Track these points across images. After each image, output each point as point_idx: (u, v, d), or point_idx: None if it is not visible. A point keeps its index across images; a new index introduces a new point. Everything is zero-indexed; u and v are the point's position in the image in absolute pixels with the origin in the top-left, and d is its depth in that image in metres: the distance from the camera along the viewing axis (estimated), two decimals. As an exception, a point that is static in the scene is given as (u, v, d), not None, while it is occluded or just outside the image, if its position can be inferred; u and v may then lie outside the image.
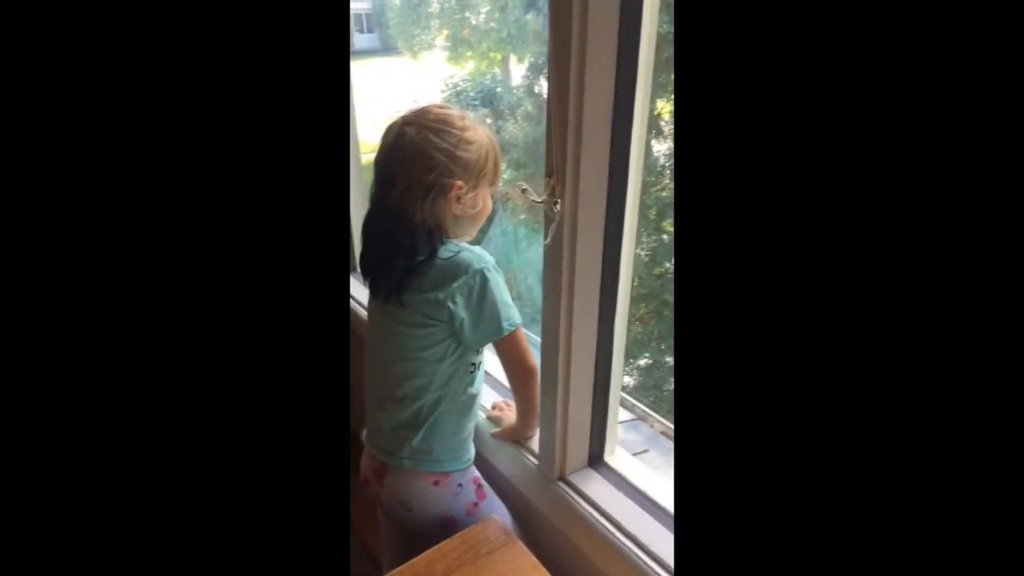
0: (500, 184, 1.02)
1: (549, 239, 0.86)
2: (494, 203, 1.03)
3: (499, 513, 1.07)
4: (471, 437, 1.09)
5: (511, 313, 0.98)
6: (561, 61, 0.75)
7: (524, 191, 0.90)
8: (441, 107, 0.98)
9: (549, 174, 0.83)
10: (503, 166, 1.03)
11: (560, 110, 0.77)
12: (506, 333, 0.97)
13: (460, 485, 1.06)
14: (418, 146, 0.93)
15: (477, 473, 1.10)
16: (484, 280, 0.95)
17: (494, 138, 0.99)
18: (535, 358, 1.02)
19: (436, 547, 0.93)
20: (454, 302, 0.94)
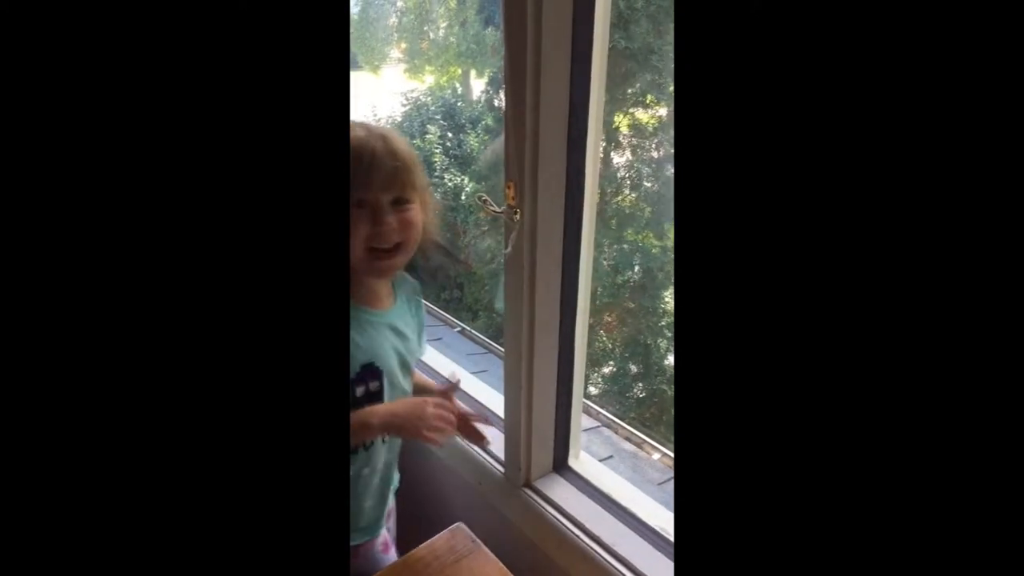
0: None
1: (510, 248, 0.88)
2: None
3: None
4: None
5: None
6: (517, 73, 0.76)
7: (485, 202, 0.91)
8: None
9: (508, 184, 0.85)
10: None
11: (517, 120, 0.79)
12: None
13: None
14: None
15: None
16: None
17: (376, 130, 0.83)
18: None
19: (401, 559, 0.92)
20: None
